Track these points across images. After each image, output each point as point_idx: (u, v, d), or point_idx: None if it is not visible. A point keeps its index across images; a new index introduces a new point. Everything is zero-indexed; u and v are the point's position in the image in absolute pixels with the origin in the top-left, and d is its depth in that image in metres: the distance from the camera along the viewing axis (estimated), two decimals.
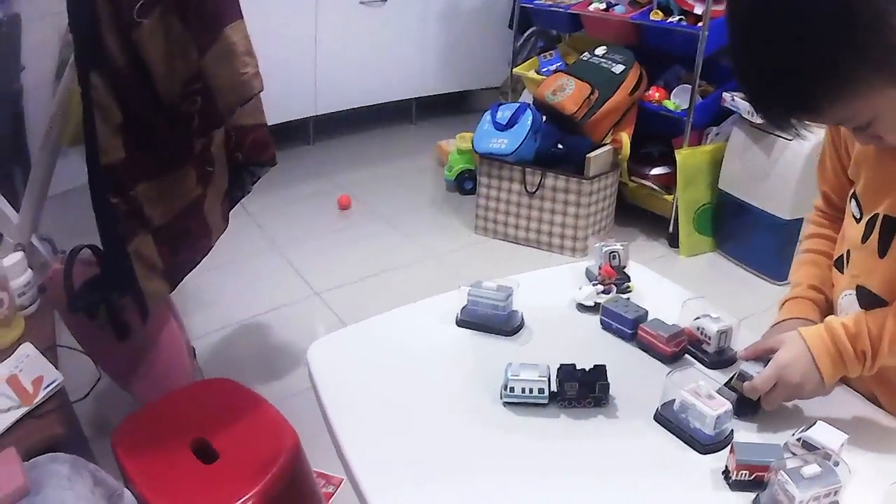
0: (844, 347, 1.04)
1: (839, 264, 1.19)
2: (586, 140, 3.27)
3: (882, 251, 1.08)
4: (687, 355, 1.17)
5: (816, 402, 1.07)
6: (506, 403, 1.05)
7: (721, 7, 3.21)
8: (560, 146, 3.35)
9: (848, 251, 1.15)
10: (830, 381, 1.05)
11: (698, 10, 3.17)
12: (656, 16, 3.30)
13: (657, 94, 3.39)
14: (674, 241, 3.41)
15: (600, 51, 3.45)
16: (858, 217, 1.12)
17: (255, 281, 3.03)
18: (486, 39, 4.72)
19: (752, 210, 3.11)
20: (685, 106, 3.27)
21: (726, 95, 3.19)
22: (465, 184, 3.86)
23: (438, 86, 4.81)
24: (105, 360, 1.83)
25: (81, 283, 1.70)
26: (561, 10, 3.75)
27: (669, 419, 1.02)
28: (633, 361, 1.15)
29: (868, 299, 1.10)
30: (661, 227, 3.47)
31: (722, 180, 3.27)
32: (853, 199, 1.14)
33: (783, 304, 1.24)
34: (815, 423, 0.99)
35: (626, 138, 3.30)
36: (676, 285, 1.34)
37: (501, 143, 3.28)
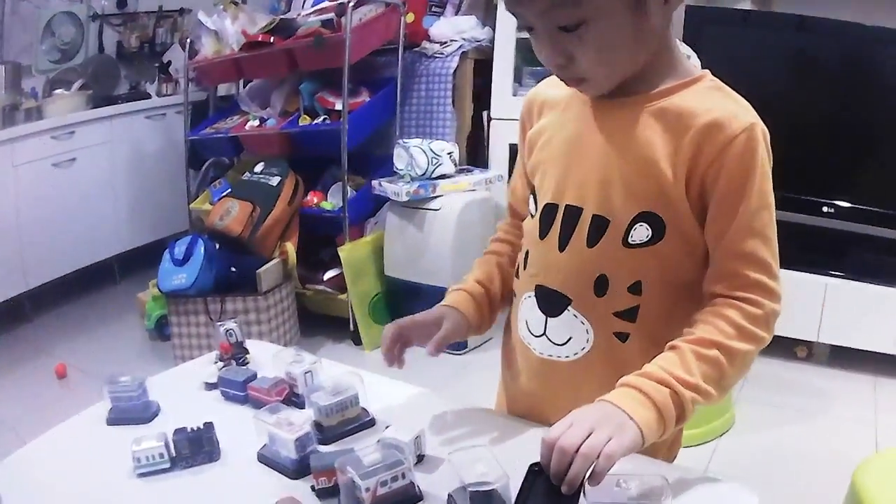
0: (655, 390, 0.96)
1: (519, 270, 1.21)
2: (257, 258, 3.38)
3: (562, 245, 1.10)
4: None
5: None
6: (139, 475, 1.12)
7: (360, 99, 3.46)
8: (233, 269, 3.43)
9: (527, 252, 1.18)
10: (649, 430, 0.93)
11: (338, 106, 3.34)
12: (304, 121, 3.50)
13: (315, 199, 3.58)
14: (357, 339, 3.51)
15: (259, 167, 3.62)
16: (534, 212, 1.17)
17: None
18: (171, 182, 4.71)
19: (420, 287, 3.30)
20: (341, 204, 3.44)
21: (374, 183, 3.38)
22: (164, 329, 3.78)
23: (134, 239, 4.74)
24: None
25: None
26: (222, 135, 3.91)
27: (267, 455, 1.13)
28: (247, 417, 1.24)
29: (547, 298, 1.12)
30: (344, 328, 3.58)
31: (387, 267, 3.46)
32: (532, 197, 1.20)
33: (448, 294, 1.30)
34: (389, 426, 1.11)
35: (290, 248, 3.45)
36: (287, 349, 1.48)
37: (181, 279, 3.31)
